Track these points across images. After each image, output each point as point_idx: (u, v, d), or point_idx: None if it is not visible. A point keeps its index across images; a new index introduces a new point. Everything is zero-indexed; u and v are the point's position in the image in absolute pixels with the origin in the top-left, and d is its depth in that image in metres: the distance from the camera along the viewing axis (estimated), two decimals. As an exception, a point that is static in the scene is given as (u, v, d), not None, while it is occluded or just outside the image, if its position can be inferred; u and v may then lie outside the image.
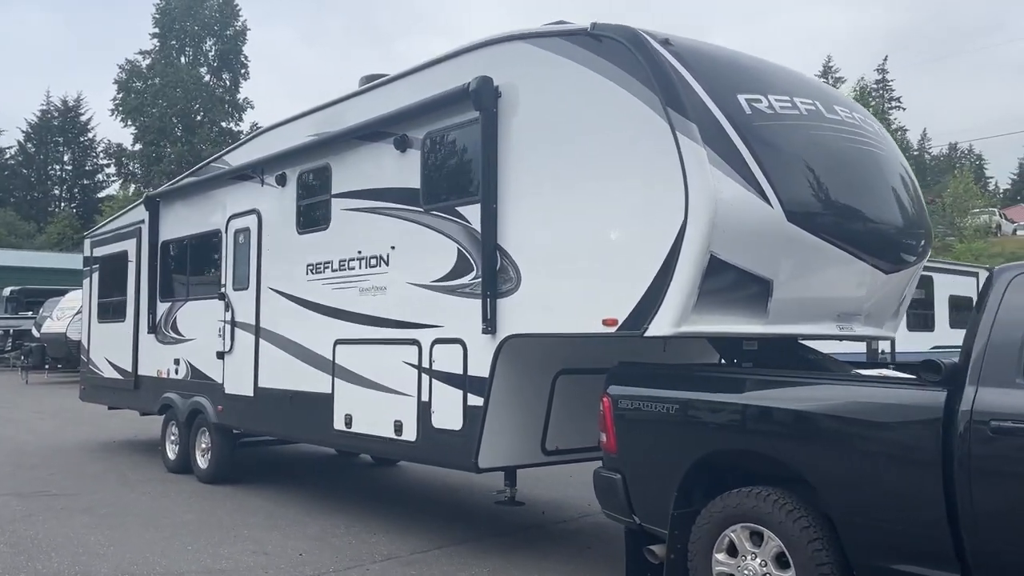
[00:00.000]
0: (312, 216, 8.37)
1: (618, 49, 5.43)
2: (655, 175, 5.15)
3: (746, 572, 4.67)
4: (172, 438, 10.65)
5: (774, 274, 5.17)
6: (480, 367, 6.32)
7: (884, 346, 14.18)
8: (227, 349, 9.47)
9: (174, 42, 58.84)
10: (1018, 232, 56.11)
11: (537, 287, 5.97)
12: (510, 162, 6.22)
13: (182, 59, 59.25)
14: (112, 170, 64.03)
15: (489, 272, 6.23)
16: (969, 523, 3.92)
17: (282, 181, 8.71)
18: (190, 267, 10.74)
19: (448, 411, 6.56)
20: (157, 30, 58.60)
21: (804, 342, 5.97)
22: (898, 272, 5.74)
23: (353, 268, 7.65)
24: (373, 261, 7.42)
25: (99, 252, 13.06)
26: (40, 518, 8.09)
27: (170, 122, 56.72)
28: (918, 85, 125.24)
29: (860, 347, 12.12)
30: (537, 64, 6.07)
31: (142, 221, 11.59)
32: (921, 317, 16.83)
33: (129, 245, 11.91)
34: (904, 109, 70.63)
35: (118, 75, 57.74)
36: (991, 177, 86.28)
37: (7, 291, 34.92)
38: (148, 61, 58.29)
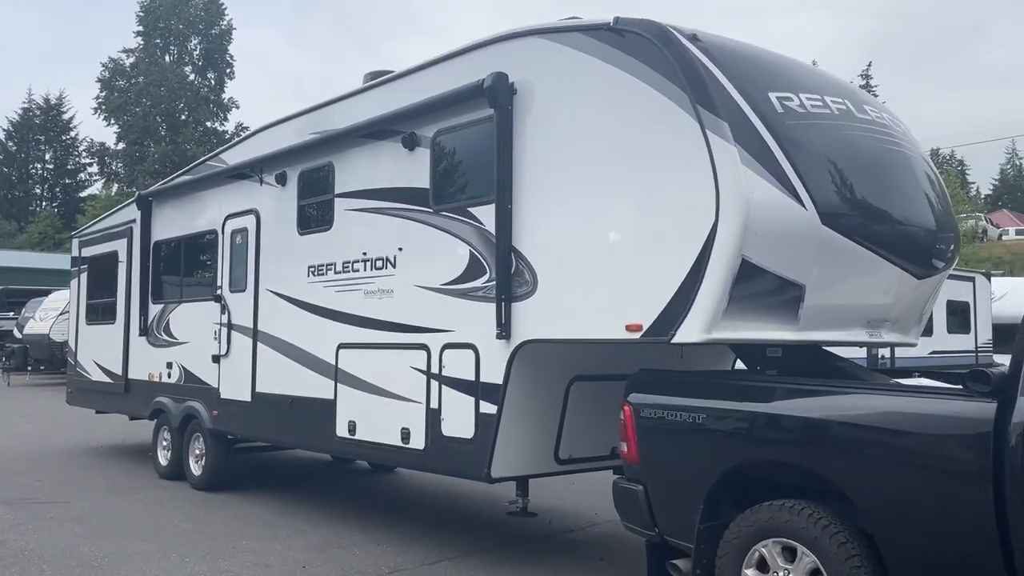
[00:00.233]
0: (314, 216, 8.13)
1: (643, 45, 5.24)
2: (684, 175, 4.95)
3: (778, 589, 4.48)
4: (164, 443, 10.37)
5: (806, 278, 4.98)
6: (493, 373, 6.11)
7: (883, 352, 14.09)
8: (223, 353, 9.21)
9: (158, 40, 58.26)
10: (1003, 237, 56.46)
11: (555, 291, 5.76)
12: (526, 161, 6.01)
13: (167, 58, 58.69)
14: (94, 169, 63.34)
15: (504, 275, 6.02)
16: (1021, 541, 3.74)
17: (282, 180, 8.47)
18: (184, 268, 10.46)
19: (459, 419, 6.34)
20: (141, 28, 58.02)
21: (827, 348, 5.81)
22: (929, 277, 5.58)
23: (358, 270, 7.42)
24: (379, 263, 7.19)
25: (88, 252, 12.75)
26: (29, 527, 7.80)
27: (154, 121, 56.14)
28: (901, 91, 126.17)
29: (860, 352, 11.99)
30: (555, 60, 5.86)
31: (133, 221, 11.30)
32: (918, 322, 16.72)
33: (119, 245, 11.61)
34: (888, 115, 70.67)
35: (101, 73, 57.14)
36: (973, 183, 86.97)
37: (-12, 291, 34.40)
38: (132, 59, 57.68)
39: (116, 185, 56.61)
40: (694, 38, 5.15)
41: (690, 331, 4.89)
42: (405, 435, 6.77)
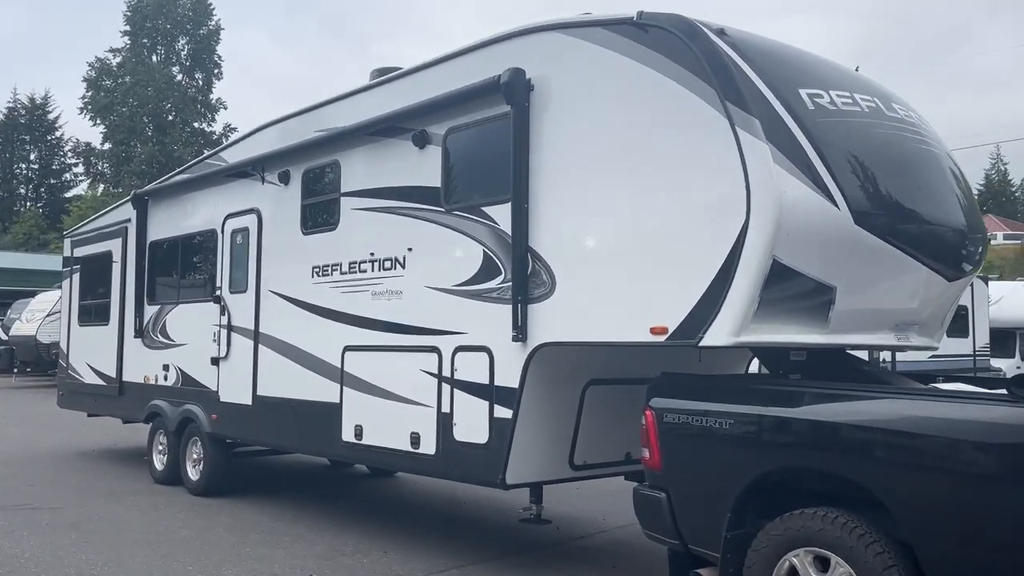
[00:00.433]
0: (319, 216, 7.94)
1: (668, 39, 5.10)
2: (712, 173, 4.81)
3: (812, 601, 4.34)
4: (160, 447, 10.15)
5: (838, 280, 4.85)
6: (508, 377, 5.95)
7: (884, 355, 13.99)
8: (223, 355, 9.01)
9: (146, 40, 57.69)
10: (991, 242, 56.71)
11: (574, 292, 5.61)
12: (543, 160, 5.87)
13: (154, 58, 58.14)
14: (80, 169, 62.70)
15: (520, 276, 5.86)
16: (1072, 551, 3.62)
17: (285, 179, 8.28)
18: (181, 269, 10.25)
19: (472, 423, 6.18)
20: (128, 28, 57.48)
21: (851, 352, 5.69)
22: (959, 280, 5.45)
23: (365, 271, 7.24)
24: (387, 263, 7.02)
25: (80, 252, 12.51)
26: (24, 534, 7.58)
27: (141, 121, 55.58)
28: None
29: (861, 355, 11.87)
30: (574, 55, 5.72)
31: (128, 220, 11.08)
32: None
33: (114, 245, 11.38)
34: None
35: (87, 73, 56.55)
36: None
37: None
38: (119, 59, 57.13)
39: (102, 186, 56.04)
40: (721, 33, 5.02)
41: (719, 334, 4.75)
42: (415, 440, 6.60)
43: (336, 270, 7.57)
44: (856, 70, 5.85)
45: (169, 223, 10.40)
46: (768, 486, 4.70)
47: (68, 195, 62.08)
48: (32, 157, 66.30)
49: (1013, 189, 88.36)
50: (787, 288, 4.74)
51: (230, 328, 8.93)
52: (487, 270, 6.18)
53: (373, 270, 7.16)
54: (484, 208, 6.22)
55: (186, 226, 10.04)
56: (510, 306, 5.91)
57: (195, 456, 9.46)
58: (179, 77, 58.44)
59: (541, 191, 5.85)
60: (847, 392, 4.48)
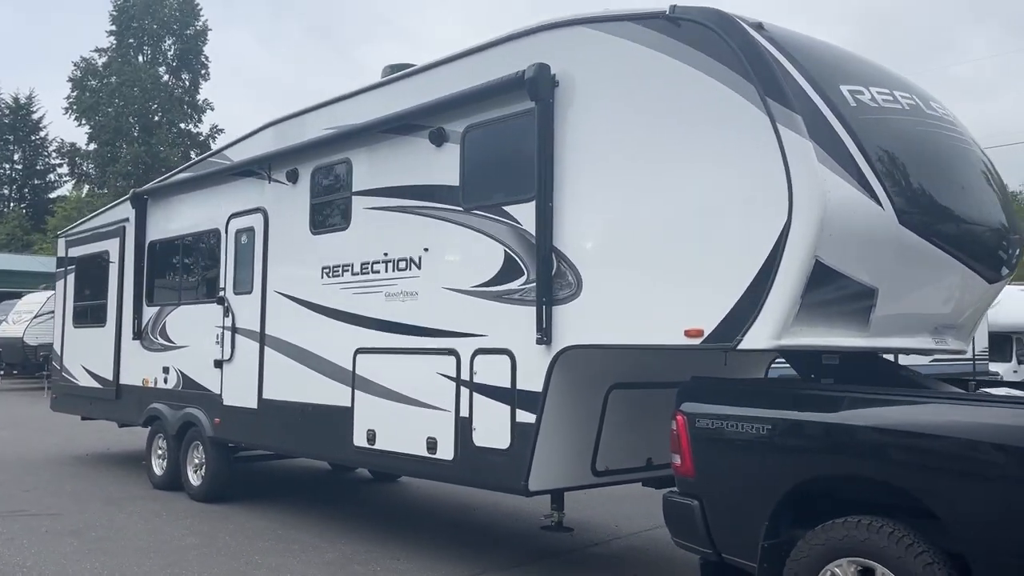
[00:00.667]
0: (329, 215, 7.76)
1: (703, 34, 4.96)
2: (752, 171, 4.67)
3: (854, 612, 4.20)
4: (159, 452, 9.93)
5: (880, 282, 4.71)
6: (532, 380, 5.79)
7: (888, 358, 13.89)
8: (226, 357, 8.80)
9: (132, 40, 57.17)
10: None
11: (602, 293, 5.45)
12: (568, 157, 5.71)
13: (140, 58, 57.63)
14: (64, 170, 62.05)
15: (544, 277, 5.70)
16: None
17: (293, 177, 8.09)
18: (182, 269, 10.03)
19: (493, 428, 6.01)
20: (114, 28, 56.98)
21: (885, 356, 5.56)
22: (999, 281, 5.33)
23: (378, 272, 7.07)
24: (402, 264, 6.85)
25: (75, 252, 12.25)
26: (24, 542, 7.35)
27: (127, 122, 55.04)
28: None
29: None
30: (601, 50, 5.57)
31: (126, 219, 10.83)
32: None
33: (111, 245, 11.14)
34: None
35: (73, 73, 56.00)
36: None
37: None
38: (104, 59, 56.61)
39: (87, 186, 55.52)
40: (759, 27, 4.88)
41: (759, 337, 4.61)
42: (431, 445, 6.43)
43: (347, 271, 7.38)
44: None
45: (169, 222, 10.18)
46: (807, 494, 4.56)
47: (52, 196, 61.49)
48: (16, 157, 65.55)
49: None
50: (829, 290, 4.60)
51: (234, 330, 8.72)
52: (509, 271, 6.02)
53: (387, 271, 6.99)
54: (506, 207, 6.07)
55: (188, 226, 9.83)
56: (533, 308, 5.75)
57: (196, 461, 9.24)
58: (165, 78, 57.95)
59: (566, 189, 5.69)
60: (897, 397, 4.34)
